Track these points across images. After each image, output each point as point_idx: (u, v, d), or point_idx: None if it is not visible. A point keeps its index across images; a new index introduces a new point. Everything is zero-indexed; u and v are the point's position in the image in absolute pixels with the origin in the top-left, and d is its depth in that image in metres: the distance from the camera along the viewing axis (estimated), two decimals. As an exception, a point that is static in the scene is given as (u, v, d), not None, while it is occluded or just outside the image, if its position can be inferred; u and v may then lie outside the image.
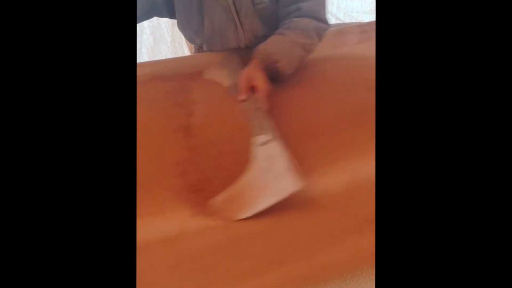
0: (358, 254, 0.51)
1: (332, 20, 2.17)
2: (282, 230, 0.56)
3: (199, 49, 1.24)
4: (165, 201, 0.63)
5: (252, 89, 0.83)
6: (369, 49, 1.12)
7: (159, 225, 0.58)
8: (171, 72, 1.04)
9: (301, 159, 0.68)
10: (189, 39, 1.19)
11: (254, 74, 0.85)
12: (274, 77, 0.89)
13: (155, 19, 2.05)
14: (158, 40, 2.16)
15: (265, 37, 1.13)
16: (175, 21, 1.14)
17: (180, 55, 2.17)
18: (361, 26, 1.27)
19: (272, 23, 1.12)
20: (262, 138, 0.68)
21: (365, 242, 0.53)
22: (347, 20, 2.16)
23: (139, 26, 2.01)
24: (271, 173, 0.62)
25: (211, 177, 0.68)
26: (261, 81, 0.83)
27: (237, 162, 0.69)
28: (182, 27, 1.14)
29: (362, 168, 0.66)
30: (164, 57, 2.18)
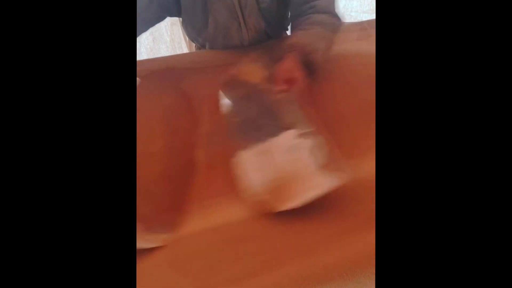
0: (357, 254, 0.51)
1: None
2: (281, 230, 0.56)
3: (200, 48, 1.24)
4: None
5: (289, 81, 0.83)
6: (369, 45, 1.13)
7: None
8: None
9: None
10: (192, 38, 1.19)
11: (293, 66, 0.85)
12: (308, 68, 0.90)
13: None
14: (157, 40, 2.16)
15: (268, 35, 1.15)
16: (174, 21, 1.15)
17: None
18: (360, 24, 1.27)
19: (274, 22, 1.13)
20: (299, 130, 0.69)
21: (365, 242, 0.53)
22: (346, 19, 2.16)
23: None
24: (316, 165, 0.62)
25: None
26: (300, 74, 0.84)
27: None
28: (186, 25, 1.14)
29: (362, 168, 0.67)
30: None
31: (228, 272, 0.50)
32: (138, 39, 2.09)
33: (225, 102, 0.87)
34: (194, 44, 1.33)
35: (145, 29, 1.13)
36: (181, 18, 1.14)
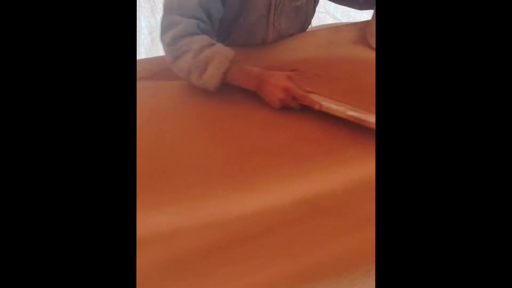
0: (352, 251, 0.52)
1: (329, 19, 2.17)
2: (278, 230, 0.56)
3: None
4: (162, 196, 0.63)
5: None
6: (364, 47, 1.13)
7: (155, 222, 0.58)
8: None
9: (300, 160, 0.69)
10: (219, 33, 1.12)
11: None
12: None
13: (151, 18, 2.04)
14: (156, 40, 2.15)
15: (289, 35, 1.14)
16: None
17: (178, 55, 2.16)
18: (358, 24, 1.27)
19: (300, 23, 1.13)
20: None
21: (360, 240, 0.53)
22: (345, 19, 2.16)
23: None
24: None
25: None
26: None
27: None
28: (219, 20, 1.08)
29: (360, 169, 0.67)
30: (162, 57, 2.17)
31: (223, 272, 0.50)
32: (137, 39, 2.09)
33: None
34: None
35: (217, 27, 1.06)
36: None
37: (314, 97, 0.79)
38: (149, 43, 2.14)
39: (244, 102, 0.87)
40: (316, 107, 0.78)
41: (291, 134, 0.78)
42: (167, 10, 0.90)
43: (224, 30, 1.10)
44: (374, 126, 0.70)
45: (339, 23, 1.36)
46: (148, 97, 0.91)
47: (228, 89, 0.89)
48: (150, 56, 2.15)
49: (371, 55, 1.04)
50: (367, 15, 1.26)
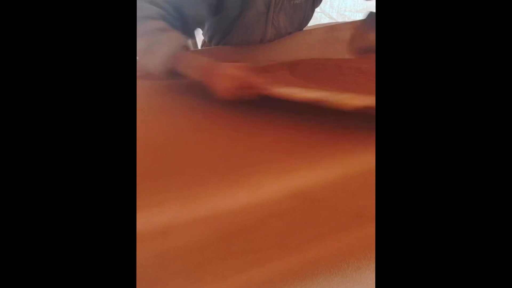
0: (343, 248, 0.52)
1: (324, 19, 2.18)
2: (269, 225, 0.56)
3: (206, 43, 1.21)
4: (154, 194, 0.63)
5: None
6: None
7: (149, 219, 0.58)
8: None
9: (293, 154, 0.69)
10: (217, 31, 1.13)
11: None
12: None
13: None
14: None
15: (287, 33, 1.14)
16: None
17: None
18: (353, 23, 1.28)
19: (299, 21, 1.14)
20: None
21: (351, 237, 0.53)
22: (340, 19, 2.17)
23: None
24: None
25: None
26: None
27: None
28: (219, 16, 1.07)
29: (352, 163, 0.67)
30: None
31: (216, 269, 0.51)
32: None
33: None
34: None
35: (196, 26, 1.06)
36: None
37: (268, 83, 0.75)
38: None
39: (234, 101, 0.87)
40: (265, 92, 0.74)
41: (283, 128, 0.78)
42: None
43: (225, 29, 1.10)
44: (334, 104, 0.68)
45: (334, 22, 1.36)
46: (143, 96, 0.91)
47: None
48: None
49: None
50: (362, 14, 1.27)
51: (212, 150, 0.72)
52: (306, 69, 0.98)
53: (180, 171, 0.68)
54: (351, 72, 0.96)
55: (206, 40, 1.20)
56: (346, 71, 0.97)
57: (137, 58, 0.87)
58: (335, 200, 0.60)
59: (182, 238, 0.55)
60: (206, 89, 0.81)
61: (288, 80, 0.87)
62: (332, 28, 1.22)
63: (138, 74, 0.98)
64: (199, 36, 1.25)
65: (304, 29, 1.29)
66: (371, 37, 1.10)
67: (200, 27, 1.12)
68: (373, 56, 1.00)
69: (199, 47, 1.28)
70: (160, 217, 0.58)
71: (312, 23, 1.30)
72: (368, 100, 0.67)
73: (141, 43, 0.83)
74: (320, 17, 2.16)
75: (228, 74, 0.76)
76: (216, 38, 1.16)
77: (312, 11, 1.18)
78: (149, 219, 0.58)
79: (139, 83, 0.95)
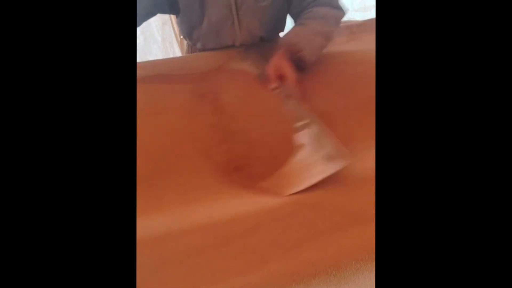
0: (341, 250, 0.52)
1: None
2: (268, 228, 0.56)
3: (192, 47, 1.23)
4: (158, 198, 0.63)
5: (280, 77, 0.86)
6: (356, 45, 1.14)
7: (147, 225, 0.58)
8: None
9: (286, 157, 0.69)
10: (185, 35, 1.17)
11: (281, 63, 0.88)
12: (298, 65, 0.92)
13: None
14: (148, 40, 2.14)
15: (261, 37, 1.13)
16: (165, 20, 1.13)
17: (171, 55, 2.15)
18: (349, 28, 1.28)
19: (270, 24, 1.12)
20: (301, 123, 0.73)
21: (349, 238, 0.53)
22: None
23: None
24: (319, 153, 0.67)
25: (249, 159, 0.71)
26: (288, 70, 0.86)
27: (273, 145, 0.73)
28: (181, 21, 1.12)
29: (350, 164, 0.66)
30: (155, 57, 2.16)
31: (214, 271, 0.51)
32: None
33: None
34: (185, 44, 1.31)
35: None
36: (173, 17, 1.13)
37: None
38: (141, 43, 2.13)
39: (233, 103, 0.88)
40: None
41: (280, 130, 0.77)
42: None
43: (191, 32, 1.12)
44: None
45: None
46: (141, 99, 0.91)
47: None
48: (142, 55, 2.15)
49: (361, 55, 1.05)
50: (360, 14, 1.27)
51: (210, 155, 0.72)
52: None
53: (178, 176, 0.68)
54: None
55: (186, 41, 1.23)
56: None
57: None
58: (331, 201, 0.60)
59: (181, 242, 0.55)
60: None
61: None
62: None
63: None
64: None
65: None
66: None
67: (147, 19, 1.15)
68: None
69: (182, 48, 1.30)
70: (159, 222, 0.58)
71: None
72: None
73: None
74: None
75: None
76: (189, 41, 1.19)
77: (285, 14, 1.15)
78: (148, 223, 0.58)
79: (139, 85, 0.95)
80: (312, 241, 0.53)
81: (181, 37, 1.22)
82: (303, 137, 0.70)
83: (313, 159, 0.66)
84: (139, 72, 1.01)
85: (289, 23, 1.20)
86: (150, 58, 1.98)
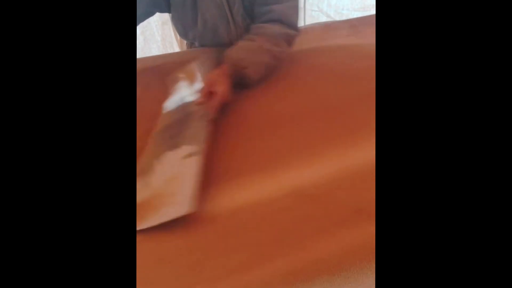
0: (345, 248, 0.52)
1: (322, 17, 2.18)
2: (269, 225, 0.56)
3: (191, 46, 1.23)
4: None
5: (211, 94, 0.81)
6: (356, 40, 1.14)
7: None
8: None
9: (287, 150, 0.69)
10: (182, 34, 1.18)
11: (219, 79, 0.83)
12: (242, 82, 0.90)
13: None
14: (148, 40, 2.14)
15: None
16: (165, 20, 1.13)
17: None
18: (349, 21, 1.28)
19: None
20: (188, 149, 0.68)
21: (352, 237, 0.53)
22: (337, 17, 2.17)
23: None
24: (170, 189, 0.61)
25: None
26: (222, 88, 0.82)
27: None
28: (175, 22, 1.13)
29: (349, 160, 0.67)
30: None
31: (216, 268, 0.51)
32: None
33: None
34: (185, 43, 1.31)
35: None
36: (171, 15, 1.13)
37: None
38: (141, 43, 2.13)
39: (236, 98, 0.88)
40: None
41: (279, 126, 0.78)
42: None
43: (186, 32, 1.13)
44: None
45: (332, 21, 1.36)
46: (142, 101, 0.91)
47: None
48: (142, 55, 2.15)
49: (361, 49, 1.05)
50: (360, 13, 1.27)
51: (209, 150, 0.72)
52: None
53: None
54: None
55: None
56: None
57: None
58: (333, 196, 0.60)
59: (180, 238, 0.55)
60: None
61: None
62: (329, 27, 1.22)
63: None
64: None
65: (301, 27, 1.29)
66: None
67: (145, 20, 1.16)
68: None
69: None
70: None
71: (309, 21, 1.30)
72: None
73: None
74: (318, 15, 2.16)
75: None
76: (188, 41, 1.20)
77: None
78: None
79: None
80: (315, 238, 0.53)
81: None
82: (174, 165, 0.66)
83: (161, 193, 0.60)
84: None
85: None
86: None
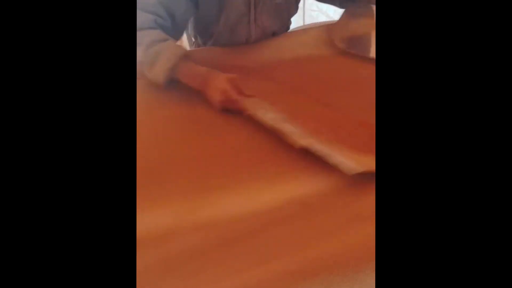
0: (342, 248, 0.52)
1: (321, 17, 2.17)
2: (268, 229, 0.57)
3: (198, 46, 1.22)
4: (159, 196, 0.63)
5: None
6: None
7: (148, 224, 0.58)
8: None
9: (290, 159, 0.69)
10: (199, 32, 1.16)
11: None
12: None
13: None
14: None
15: (273, 33, 1.14)
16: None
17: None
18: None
19: (283, 20, 1.15)
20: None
21: (350, 237, 0.54)
22: (337, 17, 2.16)
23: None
24: None
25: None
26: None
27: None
28: (197, 18, 1.11)
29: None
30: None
31: (215, 270, 0.51)
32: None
33: None
34: (187, 43, 1.30)
35: (184, 27, 1.07)
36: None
37: (251, 103, 0.79)
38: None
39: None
40: (246, 113, 0.78)
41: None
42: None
43: (206, 29, 1.11)
44: (299, 144, 0.69)
45: (332, 21, 1.35)
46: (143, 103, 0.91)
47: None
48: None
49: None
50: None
51: (211, 158, 0.72)
52: (287, 73, 0.98)
53: (178, 178, 0.68)
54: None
55: (193, 40, 1.21)
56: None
57: (139, 69, 0.87)
58: (332, 203, 0.61)
59: (182, 243, 0.55)
60: (204, 98, 0.84)
61: (272, 93, 0.87)
62: (328, 28, 1.22)
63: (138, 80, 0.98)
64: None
65: (300, 27, 1.29)
66: (352, 26, 1.09)
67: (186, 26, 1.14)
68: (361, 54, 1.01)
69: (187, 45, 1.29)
70: (159, 223, 0.58)
71: (309, 21, 1.30)
72: (365, 161, 0.64)
73: (139, 56, 0.84)
74: (317, 15, 2.16)
75: (220, 88, 0.81)
76: (201, 39, 1.18)
77: (296, 7, 1.18)
78: (148, 225, 0.58)
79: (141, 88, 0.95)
80: (314, 241, 0.54)
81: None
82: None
83: None
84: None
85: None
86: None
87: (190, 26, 1.18)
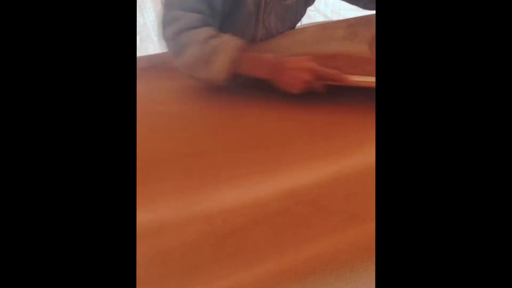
0: (338, 247, 0.52)
1: (319, 17, 2.18)
2: (264, 223, 0.56)
3: None
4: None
5: None
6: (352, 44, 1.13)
7: (143, 218, 0.58)
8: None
9: (286, 155, 0.69)
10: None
11: None
12: None
13: (140, 18, 2.03)
14: (144, 40, 2.13)
15: (278, 33, 1.13)
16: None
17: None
18: (346, 21, 1.27)
19: (289, 22, 1.14)
20: None
21: (346, 236, 0.54)
22: (335, 17, 2.17)
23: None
24: None
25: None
26: None
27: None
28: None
29: (347, 164, 0.67)
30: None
31: (211, 269, 0.51)
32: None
33: None
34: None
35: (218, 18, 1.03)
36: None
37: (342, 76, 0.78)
38: (138, 42, 2.12)
39: (233, 97, 0.87)
40: (347, 82, 0.77)
41: (277, 127, 0.78)
42: (168, 5, 0.89)
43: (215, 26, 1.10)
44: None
45: (328, 21, 1.36)
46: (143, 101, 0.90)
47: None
48: (139, 55, 2.14)
49: (359, 50, 1.04)
50: (357, 13, 1.26)
51: (206, 150, 0.72)
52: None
53: (174, 172, 0.67)
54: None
55: None
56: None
57: (190, 72, 0.87)
58: (330, 199, 0.60)
59: (176, 238, 0.55)
60: (274, 84, 0.82)
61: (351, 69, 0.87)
62: (325, 26, 1.22)
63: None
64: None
65: (298, 27, 1.29)
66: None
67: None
68: None
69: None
70: (154, 217, 0.58)
71: (306, 21, 1.30)
72: None
73: (194, 56, 0.82)
74: (314, 15, 2.16)
75: (306, 67, 0.78)
76: None
77: (305, 10, 1.18)
78: (143, 219, 0.58)
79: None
80: (308, 239, 0.53)
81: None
82: None
83: None
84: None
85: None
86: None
87: None
